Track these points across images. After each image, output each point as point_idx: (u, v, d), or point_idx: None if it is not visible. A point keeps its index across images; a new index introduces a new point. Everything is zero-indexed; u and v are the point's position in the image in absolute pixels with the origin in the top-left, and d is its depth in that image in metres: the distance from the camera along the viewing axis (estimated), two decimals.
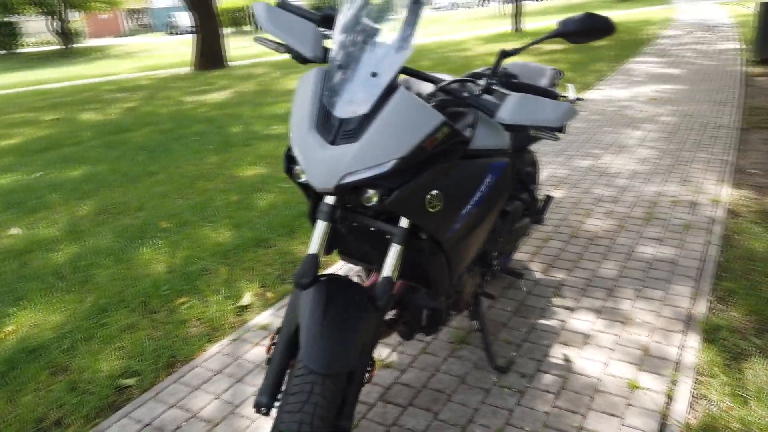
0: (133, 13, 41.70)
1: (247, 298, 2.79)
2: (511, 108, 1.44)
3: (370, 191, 1.40)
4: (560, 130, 1.45)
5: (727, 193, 3.64)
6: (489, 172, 1.62)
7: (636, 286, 2.65)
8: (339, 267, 3.04)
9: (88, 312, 2.76)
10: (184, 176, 4.90)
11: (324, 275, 1.56)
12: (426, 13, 35.87)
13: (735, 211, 3.39)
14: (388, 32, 1.44)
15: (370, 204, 1.41)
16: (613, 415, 1.89)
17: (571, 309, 2.51)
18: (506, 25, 18.57)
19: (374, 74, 1.38)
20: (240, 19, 29.82)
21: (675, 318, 2.38)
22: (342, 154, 1.33)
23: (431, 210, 1.46)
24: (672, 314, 2.41)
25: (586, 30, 1.53)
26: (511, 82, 1.58)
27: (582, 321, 2.42)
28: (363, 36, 1.44)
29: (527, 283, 2.74)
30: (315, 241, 1.53)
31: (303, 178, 1.51)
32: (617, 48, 11.12)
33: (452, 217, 1.55)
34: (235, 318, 2.65)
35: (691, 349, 2.18)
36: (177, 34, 33.57)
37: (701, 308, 2.42)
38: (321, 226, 1.53)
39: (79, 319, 2.70)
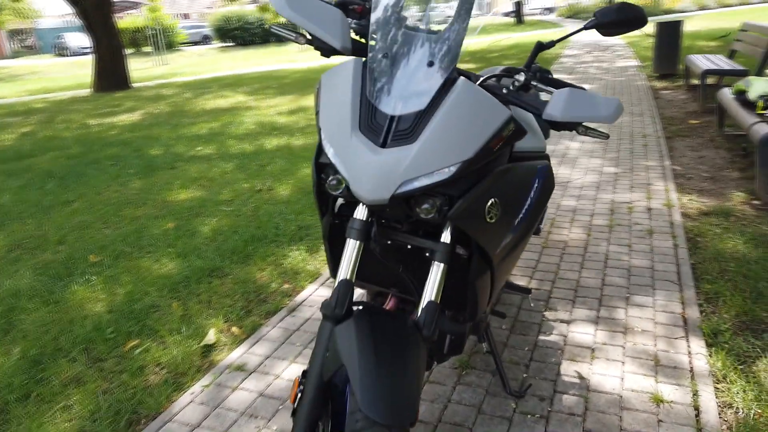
0: (16, 33, 38.69)
1: (211, 336, 2.46)
2: (563, 103, 1.29)
3: (427, 202, 1.19)
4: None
5: (676, 198, 3.74)
6: (537, 175, 1.47)
7: (623, 294, 2.60)
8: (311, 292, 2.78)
9: (18, 366, 2.31)
10: (106, 203, 4.41)
11: (357, 304, 1.33)
12: None
13: (688, 214, 3.47)
14: (438, 16, 1.25)
15: (428, 216, 1.20)
16: None
17: (567, 322, 2.41)
18: None
19: (431, 63, 1.19)
20: (139, 39, 28.46)
21: (672, 324, 2.34)
22: (397, 159, 1.12)
23: (490, 221, 1.28)
24: (668, 320, 2.36)
25: (621, 21, 1.42)
26: (548, 78, 1.44)
27: (583, 334, 2.31)
28: (409, 21, 1.24)
29: (529, 297, 2.62)
30: (346, 265, 1.30)
31: (338, 191, 1.28)
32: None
33: (507, 228, 1.38)
34: (202, 359, 2.32)
35: (698, 355, 2.13)
36: (68, 55, 31.48)
37: (694, 312, 2.39)
38: (353, 246, 1.30)
39: (8, 376, 2.25)
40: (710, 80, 6.75)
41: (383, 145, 1.14)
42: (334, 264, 1.62)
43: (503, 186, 1.31)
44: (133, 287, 2.95)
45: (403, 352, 1.20)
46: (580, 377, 2.06)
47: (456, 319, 1.60)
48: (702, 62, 6.65)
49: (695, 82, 8.01)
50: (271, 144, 6.06)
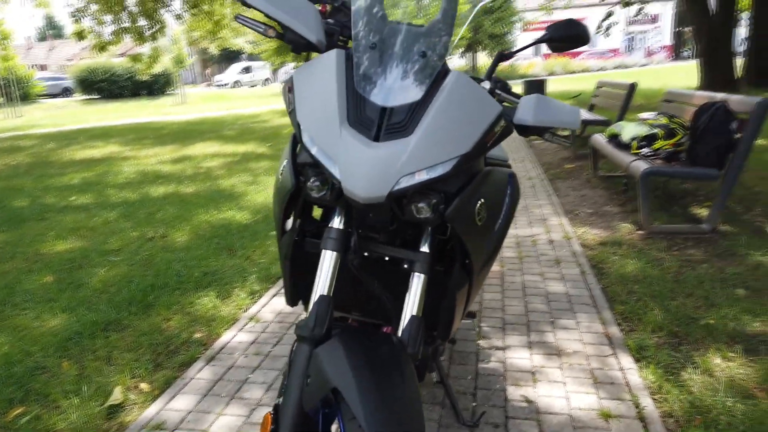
0: None
1: (117, 395, 2.13)
2: (533, 109, 1.29)
3: (424, 200, 1.11)
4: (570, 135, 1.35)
5: (572, 230, 3.96)
6: (509, 182, 1.44)
7: (547, 319, 2.65)
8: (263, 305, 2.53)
9: None
10: None
11: (338, 324, 1.20)
12: (210, 90, 35.32)
13: (586, 244, 3.68)
14: (424, 8, 1.21)
15: (423, 216, 1.12)
16: None
17: (502, 348, 2.39)
18: None
19: (423, 54, 1.13)
20: None
21: (599, 343, 2.41)
22: (394, 153, 1.03)
23: (479, 223, 1.22)
24: (594, 340, 2.43)
25: (569, 36, 1.47)
26: (508, 89, 1.44)
27: (520, 359, 2.30)
28: (395, 12, 1.18)
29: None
30: (324, 279, 1.18)
31: (321, 193, 1.16)
32: None
33: (490, 233, 1.33)
34: (108, 422, 1.99)
35: (630, 370, 2.19)
36: None
37: (615, 331, 2.49)
38: (329, 258, 1.18)
39: None
40: (577, 130, 7.41)
41: (376, 139, 1.05)
42: (293, 288, 1.47)
43: (487, 188, 1.27)
44: (10, 348, 2.52)
45: (397, 369, 1.08)
46: (528, 401, 2.03)
47: (424, 340, 1.51)
48: (549, 133, 7.30)
49: (564, 132, 8.75)
50: (157, 192, 5.66)
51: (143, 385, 2.21)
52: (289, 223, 1.40)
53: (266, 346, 2.47)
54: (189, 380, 2.23)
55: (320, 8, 1.34)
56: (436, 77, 1.12)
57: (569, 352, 2.35)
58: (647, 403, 1.98)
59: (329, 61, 1.12)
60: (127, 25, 14.52)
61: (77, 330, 2.67)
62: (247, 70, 37.62)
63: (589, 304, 2.78)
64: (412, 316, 1.21)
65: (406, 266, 1.25)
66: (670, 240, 3.65)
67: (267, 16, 1.17)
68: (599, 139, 5.15)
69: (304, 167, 1.17)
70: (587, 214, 4.41)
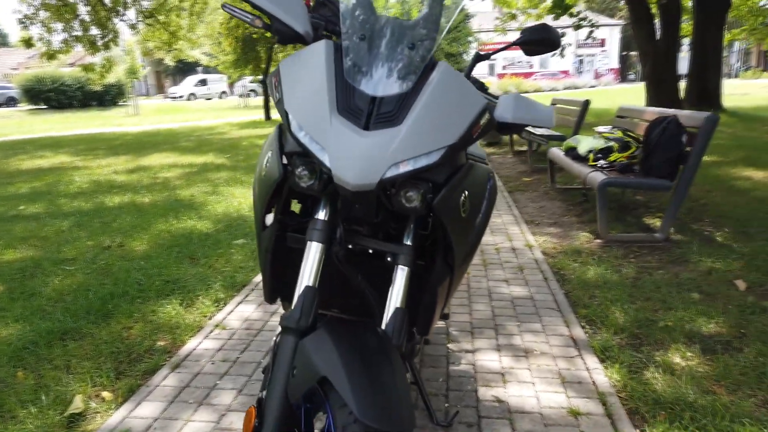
0: None
1: (78, 403, 2.05)
2: (513, 106, 1.33)
3: (412, 189, 1.12)
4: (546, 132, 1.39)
5: (533, 239, 4.05)
6: (489, 178, 1.47)
7: (514, 322, 2.69)
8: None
9: None
10: None
11: (322, 316, 1.19)
12: (163, 101, 34.59)
13: (546, 252, 3.77)
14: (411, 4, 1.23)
15: (411, 205, 1.13)
16: None
17: (472, 351, 2.42)
18: (254, 115, 18.94)
19: (412, 46, 1.14)
20: None
21: (565, 345, 2.46)
22: (384, 141, 1.05)
23: (463, 215, 1.24)
24: (560, 342, 2.49)
25: (543, 39, 1.51)
26: (484, 88, 1.48)
27: (489, 361, 2.33)
28: (383, 7, 1.20)
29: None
30: (309, 271, 1.17)
31: (309, 182, 1.15)
32: None
33: (472, 226, 1.35)
34: (69, 431, 1.91)
35: (596, 370, 2.25)
36: None
37: (580, 333, 2.55)
38: (315, 249, 1.18)
39: None
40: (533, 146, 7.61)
41: (366, 128, 1.06)
42: (272, 283, 1.45)
43: (470, 182, 1.29)
44: None
45: (386, 358, 1.08)
46: (499, 401, 2.05)
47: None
48: (526, 131, 7.49)
49: (520, 148, 8.98)
50: (112, 201, 5.49)
51: (105, 394, 2.13)
52: (269, 218, 1.39)
53: (234, 352, 2.43)
54: (154, 387, 2.16)
55: (306, 1, 1.35)
56: (424, 69, 1.14)
57: (537, 353, 2.39)
58: (614, 400, 2.03)
59: (318, 51, 1.13)
60: (78, 33, 14.16)
61: (32, 339, 2.55)
62: (203, 82, 37.10)
63: (554, 308, 2.85)
64: (396, 308, 1.22)
65: (389, 259, 1.26)
66: (626, 248, 3.77)
67: (254, 6, 1.17)
68: (556, 152, 5.30)
69: (292, 156, 1.17)
70: (546, 224, 4.52)
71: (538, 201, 5.41)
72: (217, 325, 2.68)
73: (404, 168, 1.05)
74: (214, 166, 7.69)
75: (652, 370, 2.24)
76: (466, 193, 1.25)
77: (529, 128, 1.37)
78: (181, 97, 35.87)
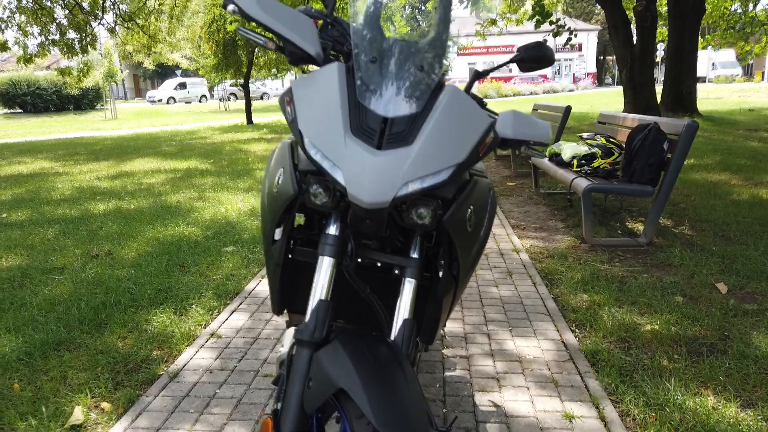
0: None
1: (78, 415, 2.05)
2: (512, 123, 1.38)
3: (423, 206, 1.17)
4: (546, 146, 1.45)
5: (520, 243, 4.13)
6: (490, 191, 1.52)
7: (506, 327, 2.75)
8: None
9: None
10: None
11: (334, 328, 1.23)
12: (142, 105, 34.25)
13: (534, 257, 3.85)
14: (419, 24, 1.27)
15: (422, 221, 1.17)
16: None
17: (466, 357, 2.47)
18: (235, 119, 18.86)
19: (421, 68, 1.19)
20: None
21: (556, 349, 2.52)
22: (396, 161, 1.09)
23: (469, 229, 1.29)
24: (552, 347, 2.55)
25: (539, 57, 1.57)
26: (483, 104, 1.53)
27: (484, 366, 2.38)
28: (392, 27, 1.24)
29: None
30: (321, 284, 1.21)
31: (323, 200, 1.19)
32: None
33: (476, 240, 1.39)
34: None
35: (588, 373, 2.31)
36: None
37: (570, 338, 2.62)
38: (327, 264, 1.22)
39: None
40: (517, 151, 7.70)
41: (378, 147, 1.10)
42: (281, 295, 1.48)
43: (474, 197, 1.34)
44: None
45: (399, 368, 1.12)
46: (496, 405, 2.10)
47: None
48: (525, 146, 7.58)
49: (503, 152, 9.08)
50: (97, 208, 5.45)
51: (104, 405, 2.14)
52: (277, 232, 1.42)
53: (231, 361, 2.44)
54: (153, 398, 2.17)
55: (314, 21, 1.38)
56: (433, 90, 1.19)
57: (529, 358, 2.45)
58: (606, 404, 2.10)
59: (331, 73, 1.17)
60: (56, 37, 13.98)
61: (26, 350, 2.54)
62: (182, 86, 36.78)
63: (544, 312, 2.91)
64: (405, 320, 1.26)
65: (397, 272, 1.30)
66: (611, 252, 3.86)
67: (267, 29, 1.21)
68: (540, 158, 5.39)
69: (306, 174, 1.21)
70: (532, 229, 4.60)
71: (523, 206, 5.49)
72: (212, 334, 2.69)
73: (416, 186, 1.09)
74: (199, 171, 7.66)
75: (641, 373, 2.31)
76: (472, 207, 1.30)
77: (527, 143, 1.42)
78: (160, 100, 35.50)
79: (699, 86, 15.51)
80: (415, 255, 1.29)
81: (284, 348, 1.54)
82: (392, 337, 1.26)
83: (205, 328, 2.78)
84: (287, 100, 1.22)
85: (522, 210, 5.31)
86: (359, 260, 1.32)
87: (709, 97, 22.80)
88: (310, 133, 1.13)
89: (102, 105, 28.52)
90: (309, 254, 1.45)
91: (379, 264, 1.34)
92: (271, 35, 1.26)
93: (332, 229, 1.22)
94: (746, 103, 19.27)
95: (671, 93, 13.37)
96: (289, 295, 1.51)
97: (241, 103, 30.86)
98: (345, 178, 1.08)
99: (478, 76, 1.54)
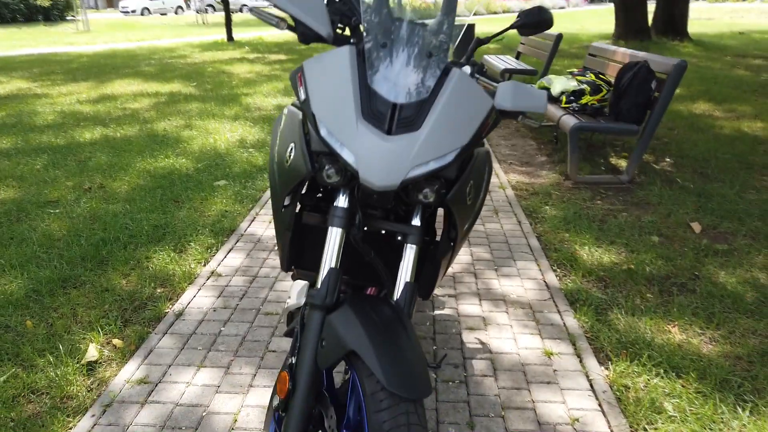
0: None
1: (92, 351, 2.19)
2: (511, 95, 1.44)
3: (428, 187, 1.25)
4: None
5: (506, 180, 4.24)
6: (487, 159, 1.60)
7: (491, 267, 2.91)
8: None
9: None
10: None
11: (343, 291, 1.34)
12: (115, 16, 32.74)
13: (519, 194, 3.97)
14: (427, 9, 1.30)
15: (427, 200, 1.27)
16: (549, 383, 2.05)
17: (454, 296, 2.63)
18: (214, 34, 18.18)
19: (430, 54, 1.24)
20: None
21: (538, 288, 2.70)
22: (406, 145, 1.16)
23: (468, 203, 1.38)
24: (534, 286, 2.72)
25: (539, 21, 1.61)
26: (483, 70, 1.58)
27: (471, 305, 2.55)
28: (402, 13, 1.27)
29: None
30: (330, 254, 1.31)
31: (335, 179, 1.27)
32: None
33: (474, 209, 1.49)
34: (89, 379, 2.07)
35: (566, 312, 2.50)
36: None
37: (552, 277, 2.79)
38: (335, 234, 1.31)
39: None
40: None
41: (388, 132, 1.17)
42: (290, 256, 1.59)
43: (475, 171, 1.43)
44: None
45: (402, 329, 1.25)
46: (482, 343, 2.28)
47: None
48: (498, 62, 7.50)
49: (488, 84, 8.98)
50: (83, 137, 5.41)
51: (116, 341, 2.28)
52: (286, 198, 1.50)
53: (232, 299, 2.58)
54: (162, 335, 2.31)
55: None
56: (440, 75, 1.24)
57: (513, 297, 2.62)
58: (582, 341, 2.29)
59: (342, 57, 1.21)
60: None
61: (33, 287, 2.65)
62: None
63: (527, 252, 3.07)
64: (407, 283, 1.37)
65: (399, 238, 1.41)
66: (594, 190, 4.00)
67: (280, 9, 1.23)
68: None
69: (318, 155, 1.28)
70: (519, 164, 4.70)
71: (510, 138, 5.56)
72: (212, 272, 2.82)
73: (423, 170, 1.17)
74: (183, 96, 7.53)
75: (616, 312, 2.50)
76: (472, 182, 1.39)
77: (524, 113, 1.48)
78: (133, 11, 33.84)
79: (692, 5, 15.21)
80: (416, 223, 1.39)
81: (291, 300, 1.67)
82: (395, 298, 1.38)
83: (204, 266, 2.90)
84: (299, 79, 1.26)
85: (509, 143, 5.39)
86: (365, 229, 1.42)
87: (700, 18, 22.40)
88: (323, 116, 1.19)
89: (73, 15, 27.19)
90: (316, 218, 1.54)
91: (383, 231, 1.43)
92: (284, 15, 1.29)
93: (342, 202, 1.31)
94: (737, 25, 19.01)
95: (663, 15, 13.13)
96: (296, 253, 1.61)
97: (219, 16, 29.56)
98: (357, 161, 1.16)
99: (479, 43, 1.58)
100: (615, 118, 4.12)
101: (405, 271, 1.38)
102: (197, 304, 2.54)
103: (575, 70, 4.70)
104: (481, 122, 1.26)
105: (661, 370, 2.11)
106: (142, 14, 33.56)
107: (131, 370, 2.09)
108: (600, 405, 1.94)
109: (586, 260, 2.95)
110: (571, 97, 4.49)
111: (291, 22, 1.31)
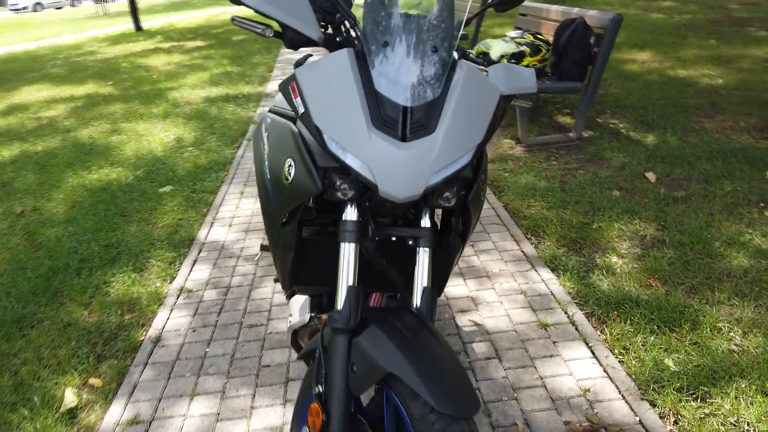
0: None
1: (70, 397, 2.02)
2: (504, 78, 1.38)
3: (448, 190, 1.18)
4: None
5: None
6: (485, 151, 1.53)
7: (468, 244, 2.89)
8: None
9: None
10: None
11: (367, 311, 1.26)
12: (4, 15, 30.31)
13: None
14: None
15: (449, 204, 1.19)
16: (552, 356, 2.06)
17: None
18: (120, 25, 17.13)
19: (435, 49, 1.14)
20: None
21: (517, 260, 2.70)
22: (424, 151, 1.08)
23: (482, 199, 1.32)
24: (512, 257, 2.72)
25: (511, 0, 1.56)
26: (469, 55, 1.51)
27: (457, 286, 2.52)
28: (397, 5, 1.17)
29: None
30: (348, 270, 1.22)
31: (348, 194, 1.17)
32: (259, 41, 11.41)
33: (483, 201, 1.43)
34: (73, 429, 1.90)
35: (551, 280, 2.51)
36: None
37: (527, 246, 2.79)
38: (349, 249, 1.22)
39: None
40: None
41: (403, 139, 1.08)
42: (292, 274, 1.48)
43: (485, 165, 1.36)
44: None
45: (434, 339, 1.19)
46: (477, 324, 2.26)
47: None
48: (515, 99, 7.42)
49: None
50: (1, 155, 4.97)
51: (94, 381, 2.11)
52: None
53: (210, 315, 2.44)
54: (143, 366, 2.16)
55: None
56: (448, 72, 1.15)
57: (496, 272, 2.61)
58: (573, 309, 2.30)
59: (342, 61, 1.10)
60: None
61: None
62: None
63: (498, 223, 3.06)
64: (425, 288, 1.30)
65: (410, 242, 1.33)
66: (547, 151, 4.04)
67: (263, 14, 1.10)
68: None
69: (327, 170, 1.17)
70: None
71: None
72: (181, 289, 2.65)
73: (444, 174, 1.09)
74: (101, 97, 7.05)
75: (596, 273, 2.54)
76: (483, 176, 1.33)
77: (517, 95, 1.43)
78: (25, 8, 31.36)
79: None
80: (427, 224, 1.32)
81: (294, 317, 1.57)
82: (415, 304, 1.31)
83: (170, 283, 2.73)
84: (293, 90, 1.15)
85: None
86: (376, 238, 1.33)
87: None
88: (329, 128, 1.08)
89: None
90: (317, 232, 1.44)
91: (393, 238, 1.35)
92: (269, 22, 1.16)
93: (351, 215, 1.21)
94: None
95: None
96: (297, 270, 1.51)
97: (121, 4, 27.85)
98: (376, 175, 1.06)
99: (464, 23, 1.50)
100: (558, 77, 4.16)
101: (421, 276, 1.31)
102: (173, 326, 2.39)
103: (512, 32, 4.69)
104: (493, 115, 1.19)
105: (654, 326, 2.16)
106: (35, 10, 31.18)
107: (118, 411, 1.94)
108: (605, 371, 1.96)
109: (556, 224, 2.98)
110: (512, 60, 4.48)
111: (277, 27, 1.18)
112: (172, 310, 2.50)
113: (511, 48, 4.54)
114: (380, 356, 1.13)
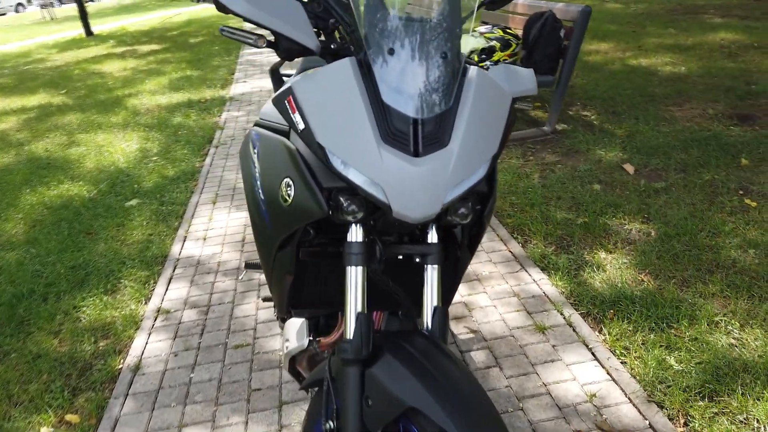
0: None
1: None
2: (505, 80, 1.31)
3: (464, 206, 1.10)
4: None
5: None
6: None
7: None
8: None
9: None
10: None
11: (380, 336, 1.17)
12: None
13: None
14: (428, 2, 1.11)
15: (464, 221, 1.11)
16: (553, 360, 2.01)
17: None
18: (69, 30, 16.52)
19: (444, 55, 1.06)
20: None
21: (506, 260, 2.64)
22: (438, 167, 0.99)
23: (494, 211, 1.24)
24: (501, 258, 2.66)
25: None
26: (468, 58, 1.43)
27: None
28: (399, 9, 1.07)
29: None
30: (356, 296, 1.13)
31: (359, 215, 1.07)
32: (217, 43, 11.12)
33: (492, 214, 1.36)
34: None
35: (542, 280, 2.46)
36: None
37: (515, 246, 2.74)
38: (355, 273, 1.13)
39: None
40: None
41: (415, 154, 0.99)
42: (290, 298, 1.38)
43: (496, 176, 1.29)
44: None
45: (453, 365, 1.11)
46: (473, 331, 2.19)
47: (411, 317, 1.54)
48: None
49: None
50: None
51: (70, 417, 1.96)
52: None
53: (192, 338, 2.31)
54: (123, 398, 2.02)
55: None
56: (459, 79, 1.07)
57: (486, 275, 2.55)
58: (568, 309, 2.26)
59: (345, 73, 1.00)
60: None
61: None
62: None
63: None
64: (436, 307, 1.22)
65: (418, 260, 1.25)
66: (523, 146, 4.01)
67: (255, 24, 0.99)
68: None
69: (332, 191, 1.07)
70: None
71: None
72: (158, 310, 2.51)
73: (460, 190, 1.01)
74: (55, 107, 6.74)
75: (587, 270, 2.50)
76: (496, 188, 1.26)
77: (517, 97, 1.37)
78: None
79: None
80: (434, 240, 1.24)
81: (291, 343, 1.48)
82: (425, 325, 1.23)
83: (146, 304, 2.58)
84: (290, 105, 1.04)
85: None
86: (383, 258, 1.24)
87: None
88: (334, 146, 0.99)
89: None
90: (315, 254, 1.34)
91: (399, 256, 1.27)
92: (261, 31, 1.05)
93: (358, 236, 1.12)
94: None
95: None
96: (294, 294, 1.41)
97: (69, 8, 26.90)
98: (388, 195, 0.97)
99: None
100: None
101: (431, 295, 1.23)
102: (153, 351, 2.25)
103: (480, 27, 4.65)
104: (506, 125, 1.11)
105: (652, 323, 2.13)
106: None
107: None
108: (609, 374, 1.92)
109: (541, 221, 2.94)
110: (483, 56, 4.44)
111: (270, 37, 1.07)
112: (150, 334, 2.35)
113: (481, 43, 4.49)
114: (399, 389, 1.05)
